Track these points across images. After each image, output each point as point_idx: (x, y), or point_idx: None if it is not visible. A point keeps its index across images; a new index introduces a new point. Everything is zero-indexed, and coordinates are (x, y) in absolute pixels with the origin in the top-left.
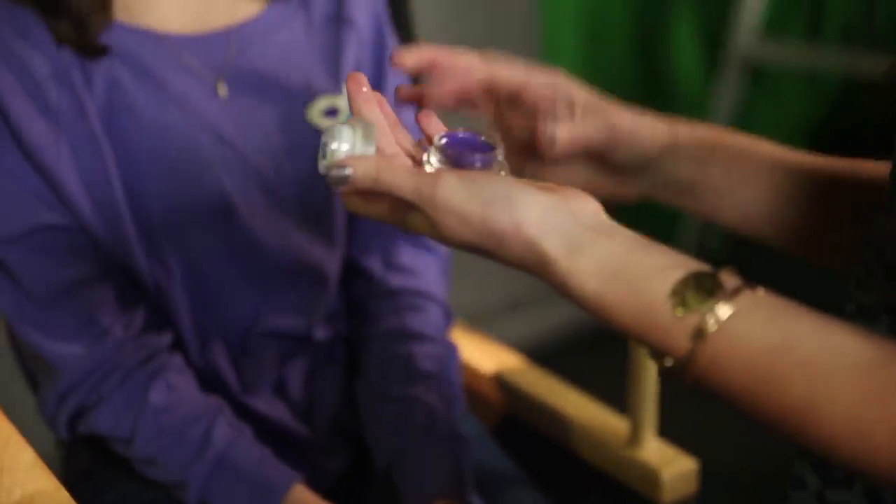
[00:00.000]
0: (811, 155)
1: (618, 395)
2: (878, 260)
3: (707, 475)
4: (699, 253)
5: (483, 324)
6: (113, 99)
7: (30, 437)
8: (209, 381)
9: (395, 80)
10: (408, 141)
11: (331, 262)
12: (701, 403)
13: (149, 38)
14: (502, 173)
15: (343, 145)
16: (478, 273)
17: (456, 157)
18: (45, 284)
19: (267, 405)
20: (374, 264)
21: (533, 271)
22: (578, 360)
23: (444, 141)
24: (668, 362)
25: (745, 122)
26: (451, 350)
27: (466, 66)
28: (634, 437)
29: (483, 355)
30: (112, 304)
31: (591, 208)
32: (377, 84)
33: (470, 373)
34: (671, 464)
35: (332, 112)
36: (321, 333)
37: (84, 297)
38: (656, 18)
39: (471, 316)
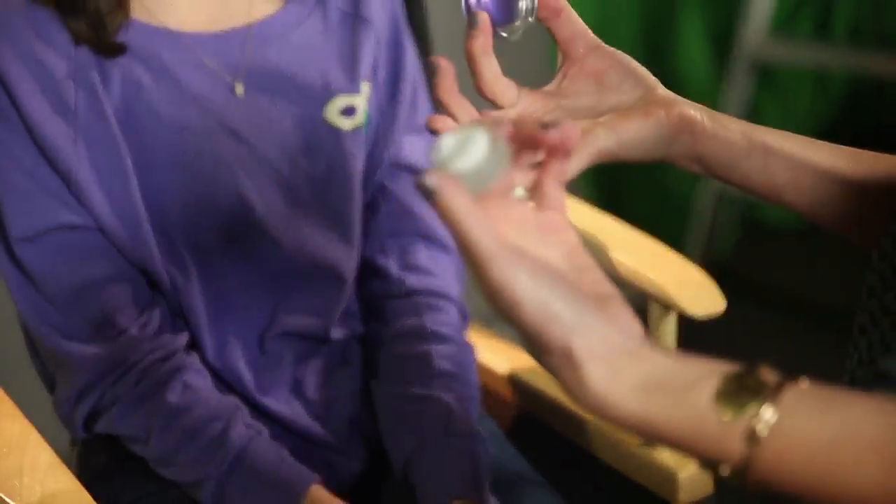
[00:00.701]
0: (865, 157)
1: None
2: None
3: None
4: (706, 253)
5: (497, 324)
6: (130, 98)
7: (46, 438)
8: (225, 382)
9: (410, 78)
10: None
11: (347, 261)
12: None
13: (166, 37)
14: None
15: (473, 157)
16: None
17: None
18: (62, 284)
19: (283, 405)
20: (390, 264)
21: (565, 388)
22: None
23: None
24: (725, 470)
25: (753, 121)
26: (467, 350)
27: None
28: None
29: (497, 355)
30: (129, 304)
31: (635, 333)
32: (393, 83)
33: (484, 373)
34: (688, 464)
35: (348, 111)
36: (338, 333)
37: (101, 297)
38: (664, 17)
39: (485, 316)
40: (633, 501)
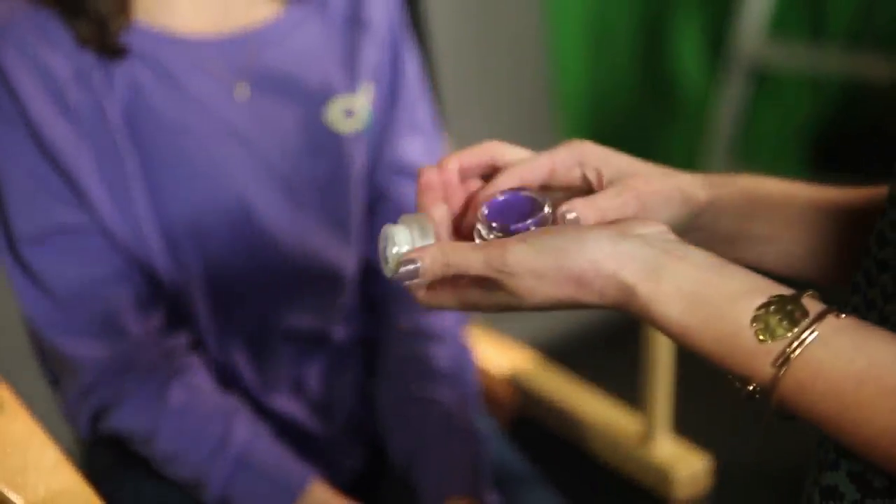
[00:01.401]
0: (844, 189)
1: (632, 393)
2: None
3: (721, 472)
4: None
5: (496, 322)
6: (133, 100)
7: (52, 436)
8: (228, 380)
9: (409, 80)
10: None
11: (347, 262)
12: (715, 401)
13: (169, 39)
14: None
15: (403, 247)
16: None
17: (506, 229)
18: (66, 284)
19: (285, 404)
20: None
21: (617, 305)
22: (592, 359)
23: (487, 212)
24: (752, 387)
25: (748, 124)
26: (466, 350)
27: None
28: (648, 435)
29: (497, 355)
30: (132, 303)
31: (656, 229)
32: (393, 84)
33: (484, 372)
34: (684, 462)
35: (349, 113)
36: (338, 333)
37: (104, 296)
38: (660, 21)
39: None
40: (632, 500)
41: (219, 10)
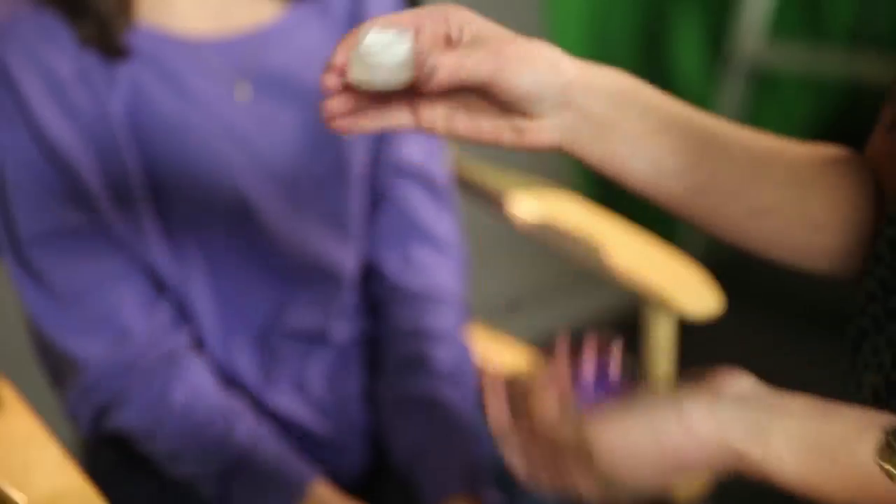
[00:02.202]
0: (725, 121)
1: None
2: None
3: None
4: (705, 254)
5: (496, 322)
6: (135, 100)
7: (54, 435)
8: (230, 379)
9: None
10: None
11: (347, 261)
12: None
13: (171, 40)
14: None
15: (393, 58)
16: (491, 271)
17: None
18: (68, 284)
19: (287, 403)
20: (391, 265)
21: (725, 468)
22: None
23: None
24: None
25: (748, 124)
26: (466, 350)
27: None
28: None
29: (497, 355)
30: (134, 302)
31: (747, 384)
32: None
33: (484, 371)
34: None
35: None
36: (339, 333)
37: (106, 296)
38: (660, 21)
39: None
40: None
41: (220, 11)
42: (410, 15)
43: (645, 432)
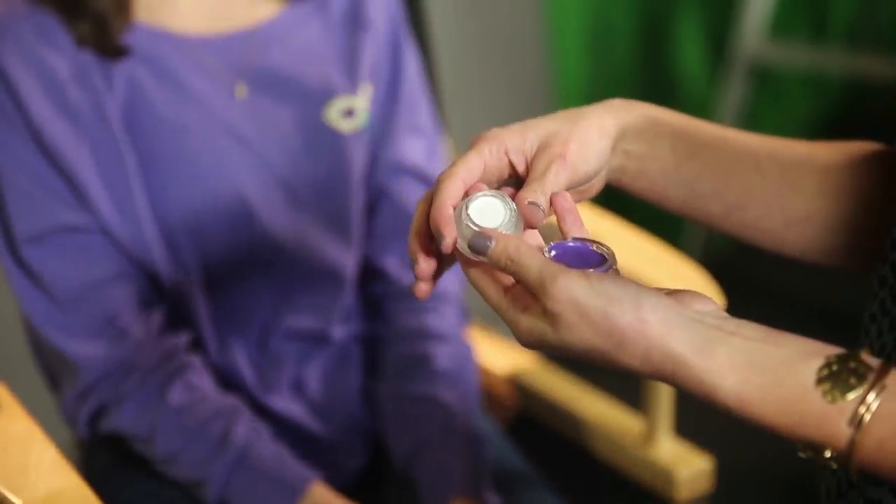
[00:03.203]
0: (753, 135)
1: (633, 393)
2: None
3: (722, 473)
4: (705, 254)
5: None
6: (133, 100)
7: (51, 436)
8: (228, 381)
9: (409, 79)
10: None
11: (347, 261)
12: None
13: (169, 39)
14: None
15: (497, 218)
16: None
17: None
18: (66, 284)
19: (285, 404)
20: (390, 264)
21: (658, 373)
22: None
23: (553, 254)
24: (828, 454)
25: (749, 124)
26: (467, 349)
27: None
28: (649, 435)
29: (497, 355)
30: (132, 303)
31: (711, 307)
32: (393, 84)
33: (485, 372)
34: (686, 462)
35: (349, 113)
36: (339, 333)
37: (104, 297)
38: (661, 19)
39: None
40: (632, 500)
41: (218, 10)
42: (475, 157)
43: (602, 298)
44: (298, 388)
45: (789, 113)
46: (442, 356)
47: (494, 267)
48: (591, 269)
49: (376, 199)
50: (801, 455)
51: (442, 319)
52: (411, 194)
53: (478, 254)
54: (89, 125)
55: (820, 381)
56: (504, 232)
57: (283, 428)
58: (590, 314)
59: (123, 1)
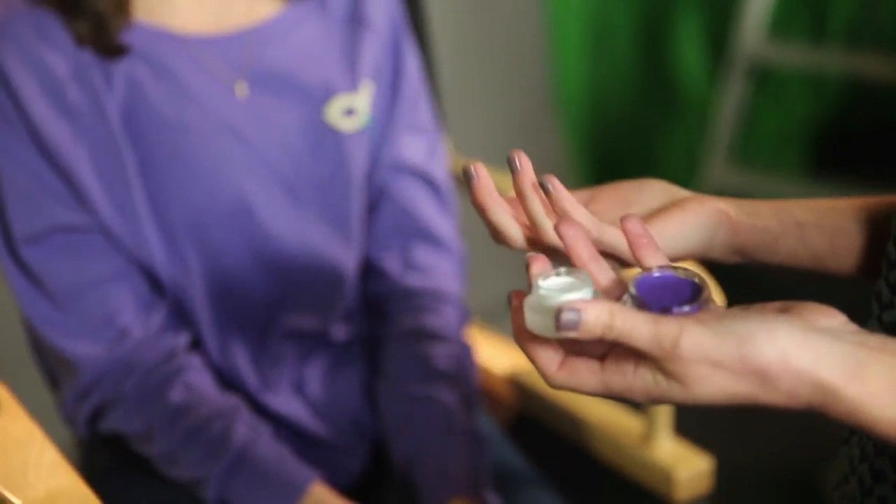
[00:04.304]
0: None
1: None
2: None
3: (722, 473)
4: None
5: (497, 322)
6: (132, 99)
7: (50, 436)
8: (228, 380)
9: (410, 78)
10: (606, 276)
11: (348, 261)
12: None
13: (168, 38)
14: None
15: (575, 293)
16: (491, 271)
17: (662, 313)
18: (66, 284)
19: (286, 404)
20: (391, 264)
21: (808, 404)
22: None
23: (639, 290)
24: None
25: (749, 124)
26: (467, 350)
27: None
28: (649, 435)
29: (497, 355)
30: (131, 303)
31: (839, 321)
32: (393, 83)
33: (485, 372)
34: (685, 462)
35: (349, 112)
36: (339, 333)
37: (104, 296)
38: (661, 20)
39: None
40: (632, 500)
41: (218, 9)
42: (586, 253)
43: (732, 341)
44: (299, 387)
45: (789, 112)
46: (442, 356)
47: (591, 338)
48: (693, 312)
49: (377, 198)
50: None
51: (442, 319)
52: (412, 193)
53: (566, 329)
54: (89, 125)
55: None
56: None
57: (284, 428)
58: (723, 362)
59: (123, 0)
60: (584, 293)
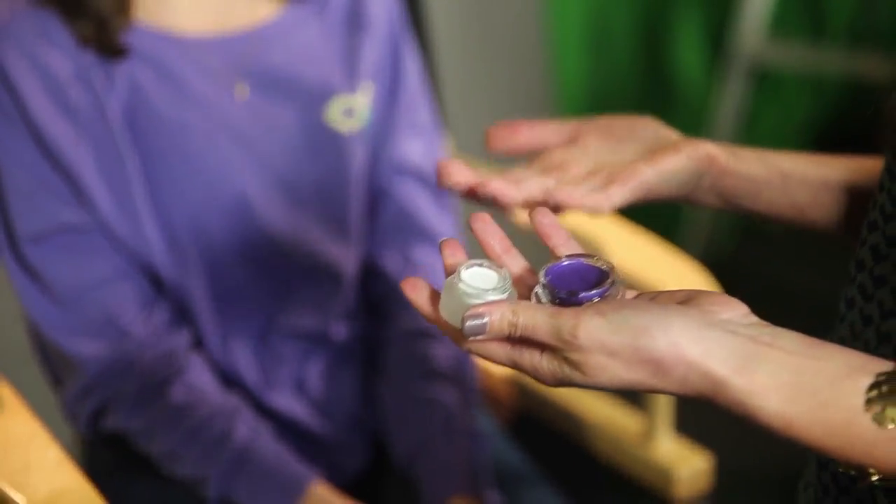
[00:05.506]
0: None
1: (633, 392)
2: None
3: (722, 471)
4: (705, 253)
5: None
6: (134, 100)
7: (53, 435)
8: (229, 379)
9: (410, 79)
10: (519, 265)
11: (347, 260)
12: None
13: (170, 39)
14: (620, 296)
15: (490, 295)
16: None
17: (570, 298)
18: (67, 284)
19: (286, 403)
20: (391, 263)
21: (698, 395)
22: None
23: (549, 279)
24: (874, 477)
25: (749, 124)
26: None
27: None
28: (649, 434)
29: None
30: (133, 302)
31: (739, 313)
32: (393, 84)
33: (485, 371)
34: (685, 461)
35: (349, 112)
36: (339, 332)
37: (105, 296)
38: (661, 20)
39: None
40: (632, 499)
41: (219, 10)
42: (499, 246)
43: (627, 332)
44: (299, 386)
45: (788, 112)
46: (442, 356)
47: (498, 339)
48: (597, 298)
49: (377, 198)
50: (843, 471)
51: None
52: (412, 194)
53: (475, 335)
54: (90, 125)
55: (869, 402)
56: (495, 298)
57: (284, 426)
58: (619, 352)
59: (124, 1)
60: (498, 293)
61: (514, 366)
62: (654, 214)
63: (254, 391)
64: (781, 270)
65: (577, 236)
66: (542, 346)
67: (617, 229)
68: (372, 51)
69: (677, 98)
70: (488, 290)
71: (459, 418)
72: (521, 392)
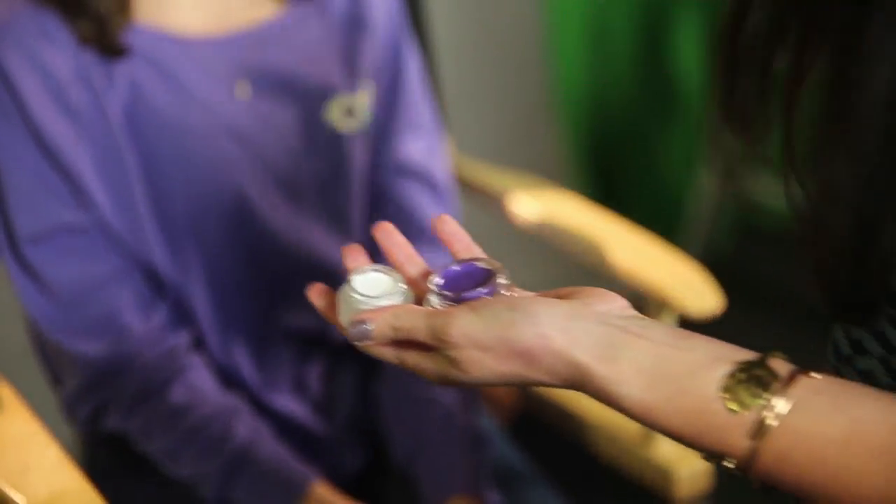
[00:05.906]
0: None
1: None
2: None
3: (721, 471)
4: (706, 248)
5: None
6: (134, 99)
7: (53, 435)
8: (229, 379)
9: (410, 79)
10: (419, 271)
11: None
12: None
13: (170, 39)
14: (510, 294)
15: (382, 300)
16: None
17: (457, 298)
18: (67, 283)
19: (286, 402)
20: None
21: (569, 385)
22: None
23: (439, 281)
24: (729, 463)
25: None
26: None
27: None
28: (649, 434)
29: None
30: (133, 302)
31: (617, 306)
32: (393, 83)
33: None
34: (685, 461)
35: (349, 112)
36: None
37: (105, 295)
38: (660, 20)
39: None
40: (633, 498)
41: (219, 10)
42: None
43: (496, 327)
44: (299, 387)
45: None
46: None
47: (384, 344)
48: (481, 296)
49: (377, 198)
50: (713, 461)
51: None
52: (412, 194)
53: (360, 340)
54: (90, 125)
55: (723, 390)
56: (386, 303)
57: (284, 426)
58: (492, 346)
59: (124, 1)
60: (390, 298)
61: (403, 366)
62: (655, 214)
63: (253, 391)
64: (781, 270)
65: (577, 237)
66: (426, 347)
67: (617, 229)
68: (372, 51)
69: (677, 99)
70: (378, 297)
71: (459, 418)
72: (522, 393)
